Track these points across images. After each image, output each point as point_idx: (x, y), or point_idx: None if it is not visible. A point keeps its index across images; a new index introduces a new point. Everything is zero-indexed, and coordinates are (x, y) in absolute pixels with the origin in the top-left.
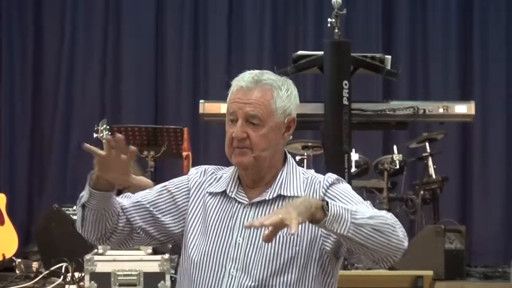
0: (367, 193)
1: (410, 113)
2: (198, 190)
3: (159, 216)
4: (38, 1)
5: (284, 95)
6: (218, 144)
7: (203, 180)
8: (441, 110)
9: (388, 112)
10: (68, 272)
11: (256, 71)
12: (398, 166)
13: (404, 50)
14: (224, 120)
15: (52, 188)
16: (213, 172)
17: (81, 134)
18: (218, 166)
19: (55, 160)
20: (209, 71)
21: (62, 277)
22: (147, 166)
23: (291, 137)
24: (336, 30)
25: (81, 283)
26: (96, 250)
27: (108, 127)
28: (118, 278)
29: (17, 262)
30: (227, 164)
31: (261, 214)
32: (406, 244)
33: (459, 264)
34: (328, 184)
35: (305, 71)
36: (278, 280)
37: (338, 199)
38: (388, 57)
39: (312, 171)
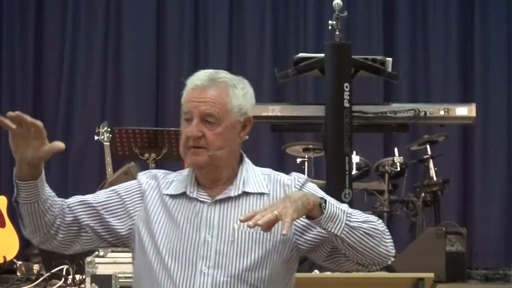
0: (368, 196)
1: (411, 115)
2: (154, 192)
3: (107, 216)
4: (39, 5)
5: (240, 93)
6: None
7: (156, 184)
8: (442, 112)
9: (389, 115)
10: (69, 275)
11: (211, 70)
12: (399, 168)
13: (405, 52)
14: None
15: (53, 191)
16: (163, 176)
17: (82, 137)
18: (166, 171)
19: (56, 162)
20: None
21: (63, 279)
22: (148, 169)
23: (247, 137)
24: (337, 33)
25: (82, 286)
26: (97, 253)
27: (109, 129)
28: (119, 280)
29: (18, 265)
30: None
31: (226, 212)
32: (393, 252)
33: (460, 266)
34: (301, 184)
35: (306, 73)
36: (253, 275)
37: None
38: (389, 59)
39: (270, 169)
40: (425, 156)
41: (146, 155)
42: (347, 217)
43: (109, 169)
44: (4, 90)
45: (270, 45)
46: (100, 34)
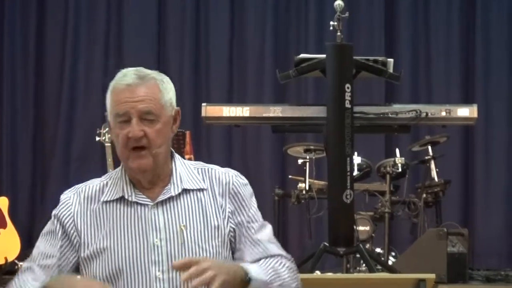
0: (370, 196)
1: (412, 116)
2: (87, 206)
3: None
4: (41, 5)
5: (168, 87)
6: (220, 147)
7: (84, 198)
8: (443, 113)
9: (390, 115)
10: None
11: (131, 69)
12: (400, 169)
13: (407, 53)
14: (226, 122)
15: (55, 191)
16: (90, 187)
17: (84, 137)
18: (89, 181)
19: (58, 162)
20: (211, 74)
21: None
22: None
23: (176, 130)
24: (339, 33)
25: None
26: None
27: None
28: None
29: (19, 265)
30: (231, 165)
31: (170, 213)
32: None
33: (461, 267)
34: (244, 183)
35: (307, 74)
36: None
37: (246, 205)
38: (391, 60)
39: (200, 162)
40: (426, 157)
41: None
42: (267, 285)
43: (111, 170)
44: (5, 92)
45: (271, 45)
46: (102, 36)
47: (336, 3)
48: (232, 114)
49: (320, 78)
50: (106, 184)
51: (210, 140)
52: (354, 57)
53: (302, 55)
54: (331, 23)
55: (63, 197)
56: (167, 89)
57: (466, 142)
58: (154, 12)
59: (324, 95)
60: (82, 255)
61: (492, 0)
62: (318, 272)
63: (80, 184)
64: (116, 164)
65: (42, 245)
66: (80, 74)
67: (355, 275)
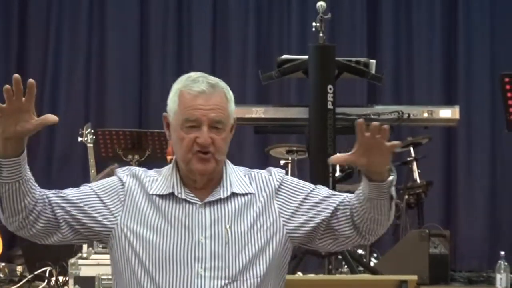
0: None
1: (394, 118)
2: (140, 192)
3: (90, 212)
4: (23, 8)
5: (232, 96)
6: None
7: (138, 183)
8: (425, 115)
9: (372, 117)
10: (52, 276)
11: (198, 74)
12: None
13: (389, 54)
14: None
15: None
16: (144, 175)
17: (66, 138)
18: (144, 169)
19: (40, 163)
20: None
21: (46, 281)
22: None
23: (231, 138)
24: (321, 34)
25: (65, 287)
26: (80, 254)
27: (92, 131)
28: (102, 282)
29: (1, 266)
30: None
31: (216, 213)
32: None
33: (443, 268)
34: (281, 178)
35: (290, 75)
36: (249, 273)
37: (296, 187)
38: (373, 61)
39: (245, 168)
40: (408, 158)
41: (130, 156)
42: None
43: (93, 171)
44: None
45: (253, 46)
46: (84, 37)
47: (319, 4)
48: None
49: (303, 79)
50: (156, 180)
51: None
52: (337, 58)
53: (285, 56)
54: (314, 24)
55: (120, 175)
56: (232, 98)
57: (448, 143)
58: (137, 13)
59: (306, 96)
60: (118, 233)
61: (474, 2)
62: (300, 274)
63: (136, 169)
64: (98, 165)
65: (97, 183)
66: (63, 74)
67: (337, 277)
